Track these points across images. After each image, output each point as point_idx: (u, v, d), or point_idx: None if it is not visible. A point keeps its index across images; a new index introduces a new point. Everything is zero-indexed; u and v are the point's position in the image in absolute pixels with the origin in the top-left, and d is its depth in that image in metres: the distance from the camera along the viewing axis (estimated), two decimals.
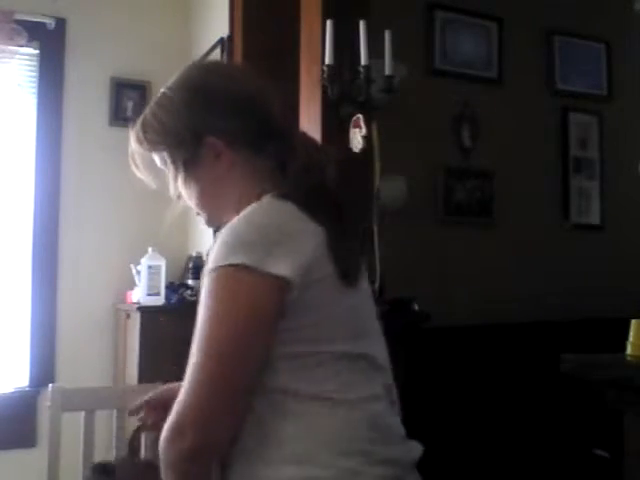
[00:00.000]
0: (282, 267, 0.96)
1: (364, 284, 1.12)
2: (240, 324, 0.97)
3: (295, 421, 1.00)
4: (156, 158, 1.16)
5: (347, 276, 1.03)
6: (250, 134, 1.11)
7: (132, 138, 1.16)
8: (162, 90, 1.15)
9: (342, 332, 1.04)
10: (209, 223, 1.20)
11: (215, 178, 1.12)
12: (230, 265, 0.96)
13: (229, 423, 0.98)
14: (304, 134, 1.20)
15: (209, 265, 0.99)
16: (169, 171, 1.15)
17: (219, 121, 1.10)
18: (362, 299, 1.11)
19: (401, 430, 1.11)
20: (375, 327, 1.14)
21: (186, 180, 1.13)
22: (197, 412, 0.96)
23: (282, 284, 0.96)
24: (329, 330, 1.03)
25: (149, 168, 1.18)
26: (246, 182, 1.11)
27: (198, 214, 1.19)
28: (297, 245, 0.99)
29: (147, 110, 1.16)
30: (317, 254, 1.00)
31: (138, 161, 1.18)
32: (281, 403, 1.01)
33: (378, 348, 1.12)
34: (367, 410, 1.04)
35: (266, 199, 1.05)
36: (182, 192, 1.15)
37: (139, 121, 1.16)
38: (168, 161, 1.14)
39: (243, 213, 1.03)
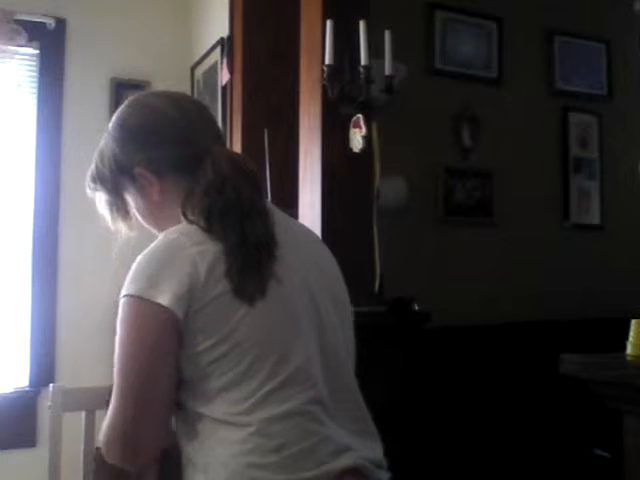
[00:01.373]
0: (164, 297, 1.05)
1: (288, 294, 1.12)
2: (136, 347, 1.07)
3: (201, 444, 1.07)
4: (104, 198, 1.30)
5: (242, 293, 1.06)
6: (175, 160, 1.20)
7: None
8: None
9: (243, 354, 1.06)
10: None
11: (154, 203, 1.23)
12: (126, 295, 1.09)
13: (150, 436, 1.08)
14: (225, 151, 1.23)
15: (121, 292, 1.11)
16: (115, 207, 1.28)
17: (142, 153, 1.21)
18: (279, 312, 1.10)
19: (326, 446, 1.07)
20: (306, 337, 1.12)
21: (131, 209, 1.27)
22: (120, 431, 1.08)
23: (167, 313, 1.05)
24: (227, 354, 1.06)
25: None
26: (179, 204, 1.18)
27: None
28: (179, 276, 1.06)
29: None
30: (205, 278, 1.06)
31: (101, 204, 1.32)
32: (192, 426, 1.09)
33: (308, 359, 1.10)
34: (269, 430, 1.04)
35: (168, 230, 1.14)
36: (126, 223, 1.30)
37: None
38: (109, 198, 1.28)
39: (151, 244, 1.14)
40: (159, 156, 1.20)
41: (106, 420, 1.11)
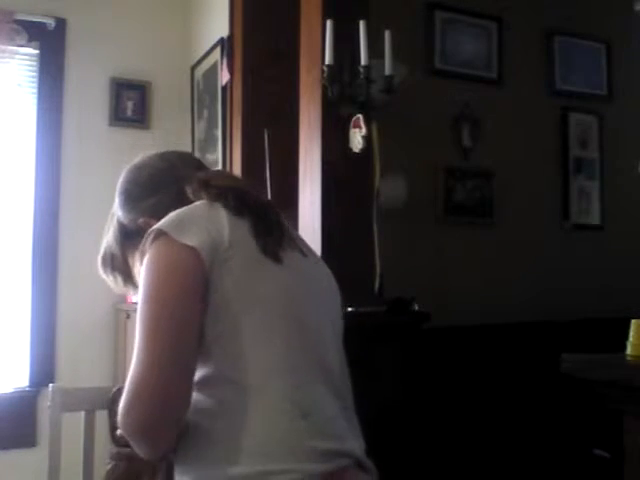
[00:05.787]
0: (191, 239, 1.10)
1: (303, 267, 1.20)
2: (162, 281, 1.10)
3: (224, 414, 1.05)
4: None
5: (266, 251, 1.13)
6: (168, 200, 1.30)
7: None
8: None
9: (267, 311, 1.11)
10: None
11: None
12: (154, 230, 1.14)
13: (181, 388, 1.05)
14: (198, 175, 1.30)
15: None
16: (124, 275, 1.48)
17: (141, 204, 1.34)
18: (299, 278, 1.18)
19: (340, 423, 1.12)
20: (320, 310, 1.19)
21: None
22: (150, 380, 1.05)
23: (193, 251, 1.09)
24: (251, 308, 1.10)
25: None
26: None
27: None
28: (203, 230, 1.11)
29: None
30: (230, 238, 1.12)
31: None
32: (214, 392, 1.07)
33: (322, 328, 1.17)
34: (295, 396, 1.07)
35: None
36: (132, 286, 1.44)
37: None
38: (122, 268, 1.48)
39: None
40: (155, 201, 1.32)
41: (128, 380, 1.07)
